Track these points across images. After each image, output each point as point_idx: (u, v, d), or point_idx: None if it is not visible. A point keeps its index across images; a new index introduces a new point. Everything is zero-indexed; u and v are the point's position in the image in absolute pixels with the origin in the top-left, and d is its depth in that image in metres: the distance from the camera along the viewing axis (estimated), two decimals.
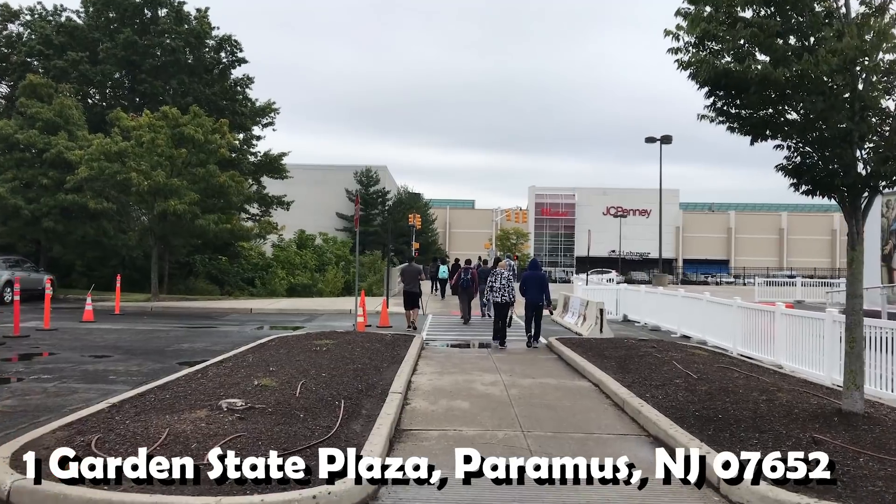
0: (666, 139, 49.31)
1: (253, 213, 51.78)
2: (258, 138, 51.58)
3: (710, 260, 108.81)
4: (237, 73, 46.25)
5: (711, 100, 7.51)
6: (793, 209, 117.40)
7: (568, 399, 9.58)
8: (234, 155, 46.53)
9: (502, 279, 15.90)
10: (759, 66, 6.69)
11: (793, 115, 7.39)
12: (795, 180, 7.45)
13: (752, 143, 7.57)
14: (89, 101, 43.07)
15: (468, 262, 23.36)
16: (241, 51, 45.46)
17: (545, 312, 17.10)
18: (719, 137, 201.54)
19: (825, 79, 6.95)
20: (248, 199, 29.18)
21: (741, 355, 14.32)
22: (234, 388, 8.55)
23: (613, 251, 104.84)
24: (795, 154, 7.35)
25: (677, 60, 7.56)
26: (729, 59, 7.07)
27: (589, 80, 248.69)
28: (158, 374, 11.08)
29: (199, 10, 42.54)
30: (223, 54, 45.58)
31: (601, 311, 17.58)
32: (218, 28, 44.25)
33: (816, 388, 9.48)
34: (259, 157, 50.44)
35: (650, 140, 49.69)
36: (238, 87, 45.84)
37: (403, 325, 20.24)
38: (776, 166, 7.51)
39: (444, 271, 31.14)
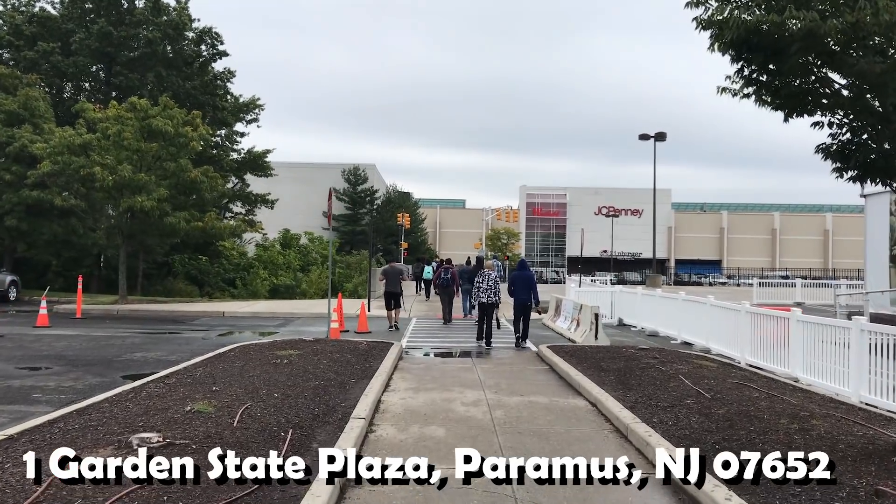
0: (660, 136, 48.08)
1: (236, 212, 50.43)
2: (242, 135, 50.29)
3: (703, 260, 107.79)
4: (218, 66, 44.77)
5: (739, 65, 6.14)
6: (785, 209, 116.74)
7: (561, 423, 8.21)
8: (214, 151, 45.17)
9: (489, 280, 15.77)
10: (803, 20, 5.32)
11: (838, 84, 6.03)
12: (840, 164, 6.11)
13: (786, 119, 6.22)
14: (65, 94, 41.50)
15: (448, 261, 23.22)
16: (221, 43, 43.89)
17: (534, 315, 17.36)
18: (712, 136, 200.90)
19: (878, 39, 5.61)
20: (223, 195, 27.55)
21: (750, 365, 13.02)
22: (160, 414, 7.13)
23: (605, 251, 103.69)
24: (843, 131, 6.00)
25: (696, 19, 6.22)
26: (761, 12, 5.70)
27: (580, 80, 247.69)
28: (93, 390, 9.66)
29: (178, 2, 40.97)
30: (203, 47, 43.98)
31: (596, 315, 16.23)
32: (199, 20, 42.78)
33: (852, 411, 8.15)
34: (242, 155, 49.09)
35: (644, 137, 48.43)
36: (219, 81, 44.22)
37: (384, 329, 19.05)
38: (817, 147, 6.16)
39: (428, 272, 29.96)
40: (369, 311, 24.04)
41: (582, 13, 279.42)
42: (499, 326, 16.34)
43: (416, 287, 33.30)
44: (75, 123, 25.90)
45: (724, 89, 6.69)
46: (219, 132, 46.97)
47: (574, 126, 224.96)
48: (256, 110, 49.18)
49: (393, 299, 19.23)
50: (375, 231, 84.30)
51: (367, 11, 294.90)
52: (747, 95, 6.59)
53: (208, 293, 42.16)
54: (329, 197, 15.26)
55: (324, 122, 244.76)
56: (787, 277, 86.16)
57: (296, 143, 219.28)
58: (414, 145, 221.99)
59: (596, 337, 16.04)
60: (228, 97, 45.87)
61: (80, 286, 22.67)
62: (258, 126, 55.98)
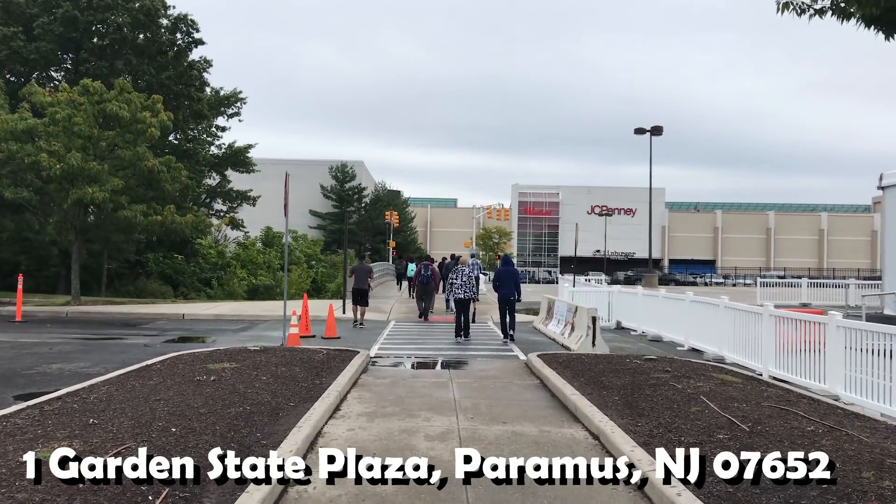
0: (656, 130, 46.18)
1: (217, 209, 48.36)
2: (223, 129, 48.32)
3: (696, 260, 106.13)
4: (194, 55, 42.50)
5: None
6: (779, 209, 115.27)
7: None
8: (189, 144, 43.03)
9: (463, 276, 15.89)
10: None
11: None
12: None
13: (888, 38, 4.21)
14: (32, 82, 39.15)
15: (429, 258, 23.60)
16: (197, 31, 41.68)
17: (523, 318, 17.93)
18: (706, 136, 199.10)
19: None
20: (187, 188, 25.33)
21: (774, 378, 11.05)
22: None
23: (598, 251, 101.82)
24: None
25: None
26: None
27: (572, 79, 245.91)
28: None
29: None
30: (179, 35, 41.77)
31: (594, 319, 14.21)
32: (174, 7, 40.53)
33: None
34: (223, 149, 47.05)
35: (640, 131, 46.53)
36: (194, 71, 41.90)
37: (357, 333, 17.04)
38: None
39: (412, 270, 28.42)
40: (344, 312, 22.01)
41: (574, 12, 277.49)
42: (473, 320, 16.57)
43: (399, 284, 31.93)
44: (18, 107, 23.68)
45: (785, 4, 4.67)
46: (199, 125, 44.86)
47: (567, 126, 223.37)
48: (238, 104, 47.18)
49: (359, 296, 19.22)
50: (364, 230, 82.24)
51: (356, 9, 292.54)
52: (821, 11, 4.58)
53: (183, 294, 40.09)
54: (285, 183, 13.18)
55: (312, 122, 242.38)
56: (783, 277, 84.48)
57: (284, 142, 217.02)
58: (404, 145, 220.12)
59: (593, 343, 14.04)
60: (207, 89, 43.74)
61: (20, 286, 20.49)
62: (240, 120, 53.88)
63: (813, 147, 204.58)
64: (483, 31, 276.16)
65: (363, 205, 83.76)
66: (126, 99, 22.54)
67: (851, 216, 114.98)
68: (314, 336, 16.29)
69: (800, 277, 50.14)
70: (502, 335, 15.79)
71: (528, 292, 43.67)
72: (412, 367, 12.33)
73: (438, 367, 12.27)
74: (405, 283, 30.45)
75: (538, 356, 12.31)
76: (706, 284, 77.08)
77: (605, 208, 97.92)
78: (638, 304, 18.74)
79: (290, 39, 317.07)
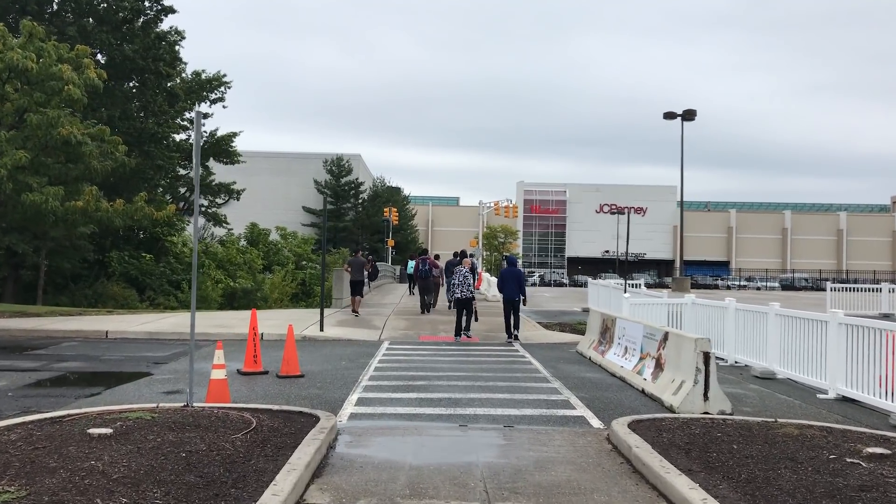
0: (688, 114, 40.71)
1: (200, 204, 43.42)
2: (205, 115, 43.06)
3: (709, 261, 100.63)
4: (164, 26, 37.06)
5: None
6: (795, 208, 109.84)
7: None
8: (157, 128, 37.69)
9: (461, 277, 15.96)
10: None
11: None
12: None
13: None
14: None
15: (424, 251, 24.44)
16: None
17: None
18: (711, 137, 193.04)
19: None
20: (123, 166, 19.71)
21: None
22: None
23: (607, 251, 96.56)
24: None
25: None
26: None
27: (574, 81, 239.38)
28: None
29: None
30: (147, 3, 36.39)
31: (706, 356, 8.73)
32: None
33: None
34: (205, 138, 42.01)
35: (669, 116, 41.05)
36: (164, 43, 36.41)
37: (335, 366, 11.58)
38: None
39: (412, 267, 26.27)
40: (322, 330, 16.55)
41: (576, 12, 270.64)
42: (476, 319, 16.56)
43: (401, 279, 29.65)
44: None
45: None
46: (172, 107, 39.51)
47: (571, 126, 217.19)
48: (222, 88, 41.90)
49: (356, 288, 20.44)
50: (360, 227, 76.89)
51: (353, 9, 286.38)
52: None
53: (150, 298, 34.78)
54: (195, 122, 7.79)
55: (312, 122, 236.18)
56: (806, 280, 79.05)
57: (281, 141, 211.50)
58: (405, 145, 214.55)
59: (705, 396, 8.62)
60: (180, 65, 38.38)
61: None
62: (224, 106, 48.84)
63: (819, 148, 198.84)
64: (484, 32, 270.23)
65: (360, 201, 78.26)
66: (38, 48, 17.12)
67: (871, 216, 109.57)
68: (266, 373, 10.90)
69: (820, 280, 44.77)
70: (507, 335, 15.93)
71: (547, 298, 38.19)
72: (410, 454, 6.86)
73: (458, 452, 6.85)
74: (408, 280, 28.35)
75: (630, 428, 6.93)
76: (728, 288, 71.86)
77: (614, 207, 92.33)
78: (729, 323, 13.26)
79: (286, 38, 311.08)
